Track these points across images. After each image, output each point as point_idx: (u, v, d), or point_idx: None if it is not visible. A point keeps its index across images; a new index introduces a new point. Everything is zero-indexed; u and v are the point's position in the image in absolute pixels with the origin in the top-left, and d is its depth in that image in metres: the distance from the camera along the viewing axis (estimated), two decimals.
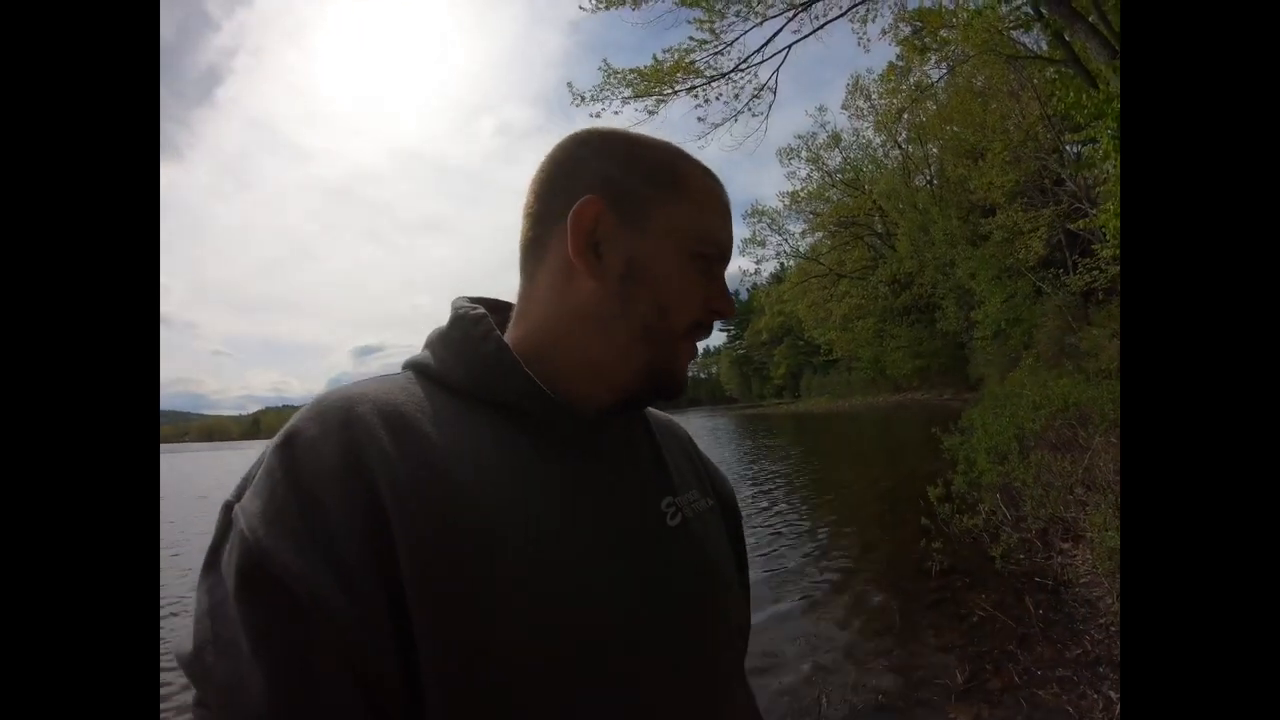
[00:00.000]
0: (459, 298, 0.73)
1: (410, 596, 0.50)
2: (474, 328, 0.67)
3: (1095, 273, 13.56)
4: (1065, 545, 5.14)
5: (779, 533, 7.47)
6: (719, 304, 0.70)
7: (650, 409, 0.81)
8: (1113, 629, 3.75)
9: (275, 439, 0.55)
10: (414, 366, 0.68)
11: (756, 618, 4.70)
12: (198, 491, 16.63)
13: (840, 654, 4.16)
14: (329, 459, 0.52)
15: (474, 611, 0.51)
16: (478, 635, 0.51)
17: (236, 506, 0.53)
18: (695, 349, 0.71)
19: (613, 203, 0.67)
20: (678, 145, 0.72)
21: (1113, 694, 3.07)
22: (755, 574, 5.83)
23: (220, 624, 0.49)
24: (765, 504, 9.48)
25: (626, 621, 0.59)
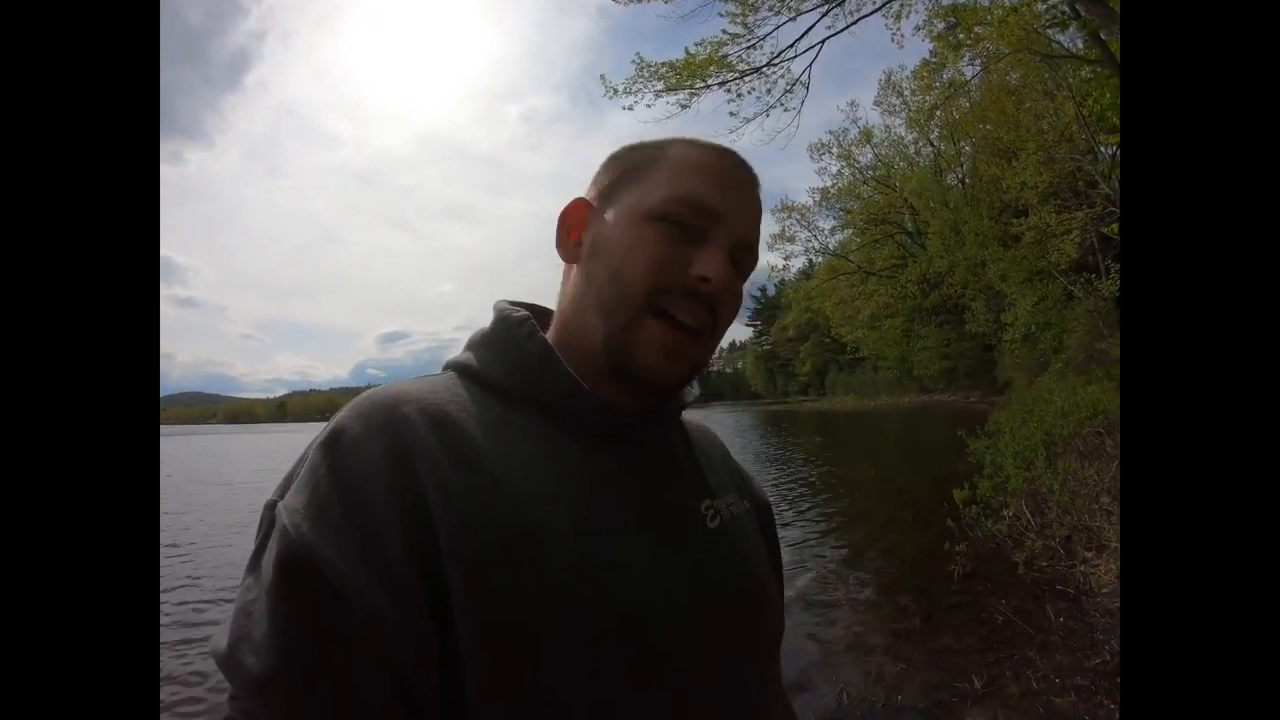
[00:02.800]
0: (501, 300, 0.74)
1: (455, 595, 0.50)
2: (518, 329, 0.67)
3: None
4: (1089, 554, 5.10)
5: (801, 532, 7.46)
6: (701, 268, 0.64)
7: (686, 414, 0.80)
8: None
9: (319, 436, 0.56)
10: (456, 367, 0.69)
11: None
12: (220, 478, 16.74)
13: (860, 653, 4.19)
14: (374, 457, 0.52)
15: (522, 610, 0.51)
16: (525, 634, 0.51)
17: (280, 504, 0.53)
18: (674, 331, 0.64)
19: (596, 198, 0.70)
20: (704, 142, 0.71)
21: None
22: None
23: (256, 621, 0.50)
24: (788, 503, 9.45)
25: (675, 622, 0.59)
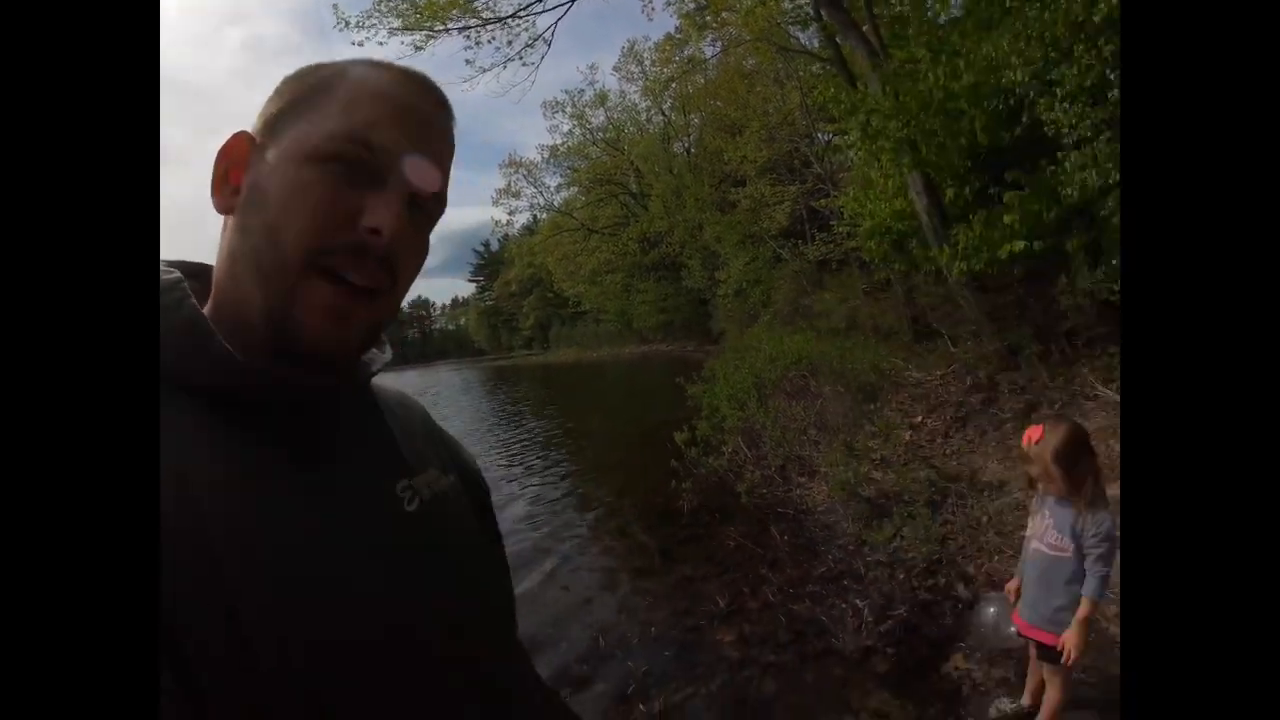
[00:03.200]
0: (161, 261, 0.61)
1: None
2: (166, 295, 0.55)
3: (831, 245, 15.22)
4: (802, 480, 5.77)
5: (537, 486, 7.58)
6: (371, 218, 0.54)
7: (379, 383, 0.73)
8: (850, 548, 4.31)
9: None
10: None
11: (526, 569, 4.80)
12: None
13: (608, 595, 4.32)
14: None
15: (220, 629, 0.45)
16: (228, 653, 0.45)
17: None
18: (342, 293, 0.55)
19: (259, 132, 0.59)
20: (390, 64, 0.61)
21: (859, 602, 3.55)
22: (518, 523, 6.04)
23: None
24: (520, 459, 9.60)
25: (379, 615, 0.55)
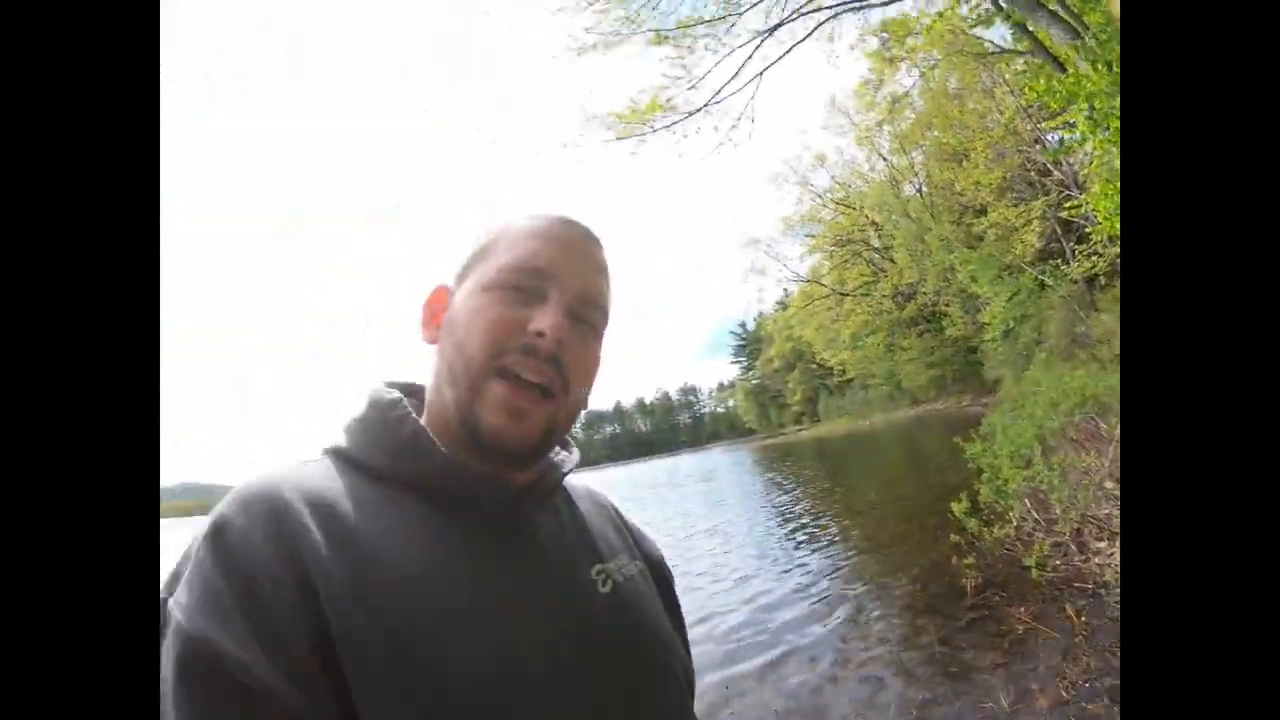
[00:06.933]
0: (375, 382, 0.75)
1: (351, 686, 0.50)
2: (390, 411, 0.68)
3: (1094, 258, 13.40)
4: (1101, 545, 4.92)
5: (805, 562, 7.33)
6: (536, 324, 0.66)
7: (570, 480, 0.82)
8: None
9: (202, 530, 0.55)
10: (332, 452, 0.68)
11: (790, 647, 4.75)
12: None
13: (877, 684, 4.00)
14: (260, 547, 0.53)
15: (412, 698, 0.51)
16: (411, 713, 0.51)
17: (170, 600, 0.52)
18: (517, 389, 0.65)
19: (454, 283, 0.74)
20: (545, 214, 0.74)
21: None
22: (789, 609, 5.87)
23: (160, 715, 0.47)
24: (791, 534, 9.37)
25: (574, 696, 0.59)
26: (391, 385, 0.76)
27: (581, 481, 0.86)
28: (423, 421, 0.70)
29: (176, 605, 0.51)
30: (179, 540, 0.59)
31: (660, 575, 0.86)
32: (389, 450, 0.66)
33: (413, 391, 0.77)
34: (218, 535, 0.54)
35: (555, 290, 0.68)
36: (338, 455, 0.68)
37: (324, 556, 0.54)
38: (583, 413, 0.75)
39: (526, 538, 0.68)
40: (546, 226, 0.72)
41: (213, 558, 0.52)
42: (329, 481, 0.62)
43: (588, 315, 0.71)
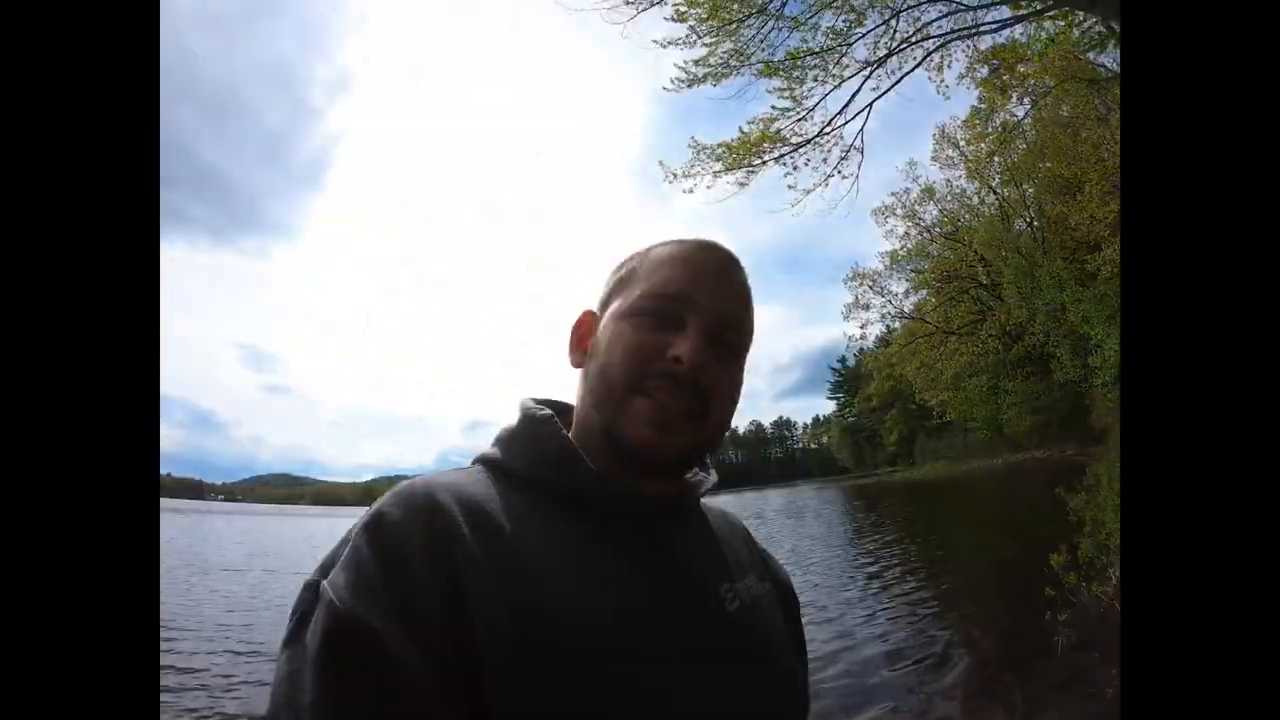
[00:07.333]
0: (526, 399, 0.78)
1: (488, 676, 0.52)
2: (541, 426, 0.72)
3: None
4: None
5: (889, 606, 7.12)
6: (675, 350, 0.68)
7: (706, 500, 0.84)
8: None
9: (361, 520, 0.60)
10: (485, 461, 0.73)
11: (869, 693, 4.64)
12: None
13: None
14: (414, 540, 0.56)
15: (544, 691, 0.53)
16: (548, 712, 0.53)
17: (324, 582, 0.56)
18: (662, 406, 0.68)
19: (598, 308, 0.79)
20: (685, 239, 0.77)
21: None
22: (867, 654, 5.68)
23: (297, 690, 0.51)
24: (877, 575, 9.12)
25: (700, 707, 0.61)
26: (540, 402, 0.79)
27: (717, 503, 0.88)
28: (571, 436, 0.73)
29: (330, 586, 0.55)
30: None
31: (786, 599, 0.87)
32: (538, 461, 0.70)
33: (560, 410, 0.79)
34: (376, 526, 0.58)
35: (694, 315, 0.70)
36: (489, 464, 0.72)
37: (472, 554, 0.57)
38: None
39: (663, 550, 0.70)
40: (684, 252, 0.75)
41: (369, 545, 0.56)
42: (480, 487, 0.66)
43: (727, 338, 0.73)
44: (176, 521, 39.36)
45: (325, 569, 0.59)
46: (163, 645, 6.92)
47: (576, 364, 0.78)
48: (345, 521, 0.73)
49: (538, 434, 0.72)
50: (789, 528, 19.11)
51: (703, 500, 0.83)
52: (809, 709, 0.81)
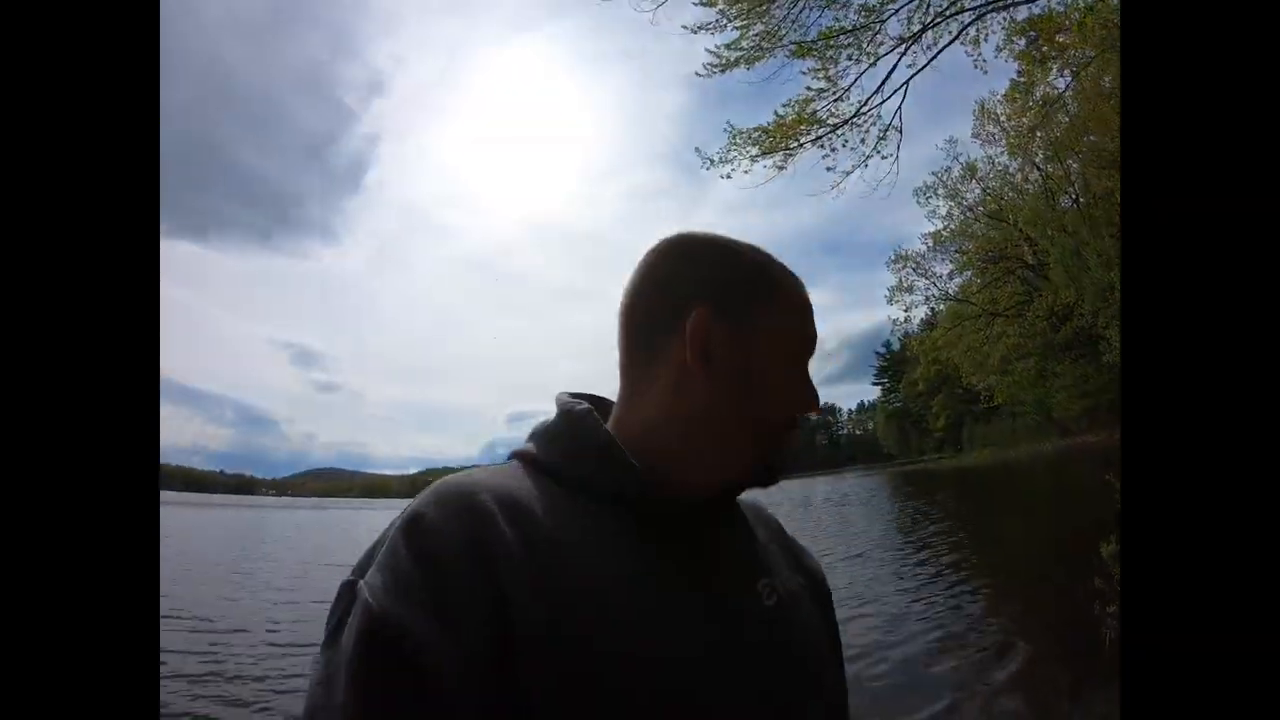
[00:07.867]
0: (562, 393, 0.78)
1: (527, 677, 0.52)
2: (582, 422, 0.71)
3: None
4: None
5: (937, 597, 7.04)
6: (814, 402, 0.75)
7: (739, 498, 0.85)
8: None
9: (398, 520, 0.59)
10: (521, 457, 0.72)
11: (911, 688, 4.61)
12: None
13: None
14: (452, 540, 0.55)
15: (582, 692, 0.53)
16: (586, 712, 0.53)
17: (361, 582, 0.55)
18: (797, 436, 0.75)
19: (720, 313, 0.71)
20: (761, 248, 0.77)
21: None
22: (912, 645, 5.65)
23: (334, 691, 0.50)
24: (924, 564, 9.05)
25: (741, 705, 0.61)
26: (576, 396, 0.79)
27: (750, 501, 0.89)
28: (614, 428, 0.73)
29: (366, 586, 0.54)
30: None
31: (820, 592, 0.87)
32: (581, 459, 0.69)
33: (596, 403, 0.79)
34: (413, 525, 0.57)
35: (808, 359, 0.76)
36: (526, 460, 0.71)
37: (511, 553, 0.56)
38: None
39: (705, 548, 0.70)
40: (806, 295, 0.77)
41: (406, 545, 0.55)
42: (518, 483, 0.65)
43: None
44: (220, 518, 40.60)
45: (362, 569, 0.58)
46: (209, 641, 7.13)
47: (708, 378, 0.70)
48: (388, 514, 0.71)
49: (579, 430, 0.71)
50: (836, 514, 18.94)
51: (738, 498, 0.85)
52: (847, 704, 0.82)
